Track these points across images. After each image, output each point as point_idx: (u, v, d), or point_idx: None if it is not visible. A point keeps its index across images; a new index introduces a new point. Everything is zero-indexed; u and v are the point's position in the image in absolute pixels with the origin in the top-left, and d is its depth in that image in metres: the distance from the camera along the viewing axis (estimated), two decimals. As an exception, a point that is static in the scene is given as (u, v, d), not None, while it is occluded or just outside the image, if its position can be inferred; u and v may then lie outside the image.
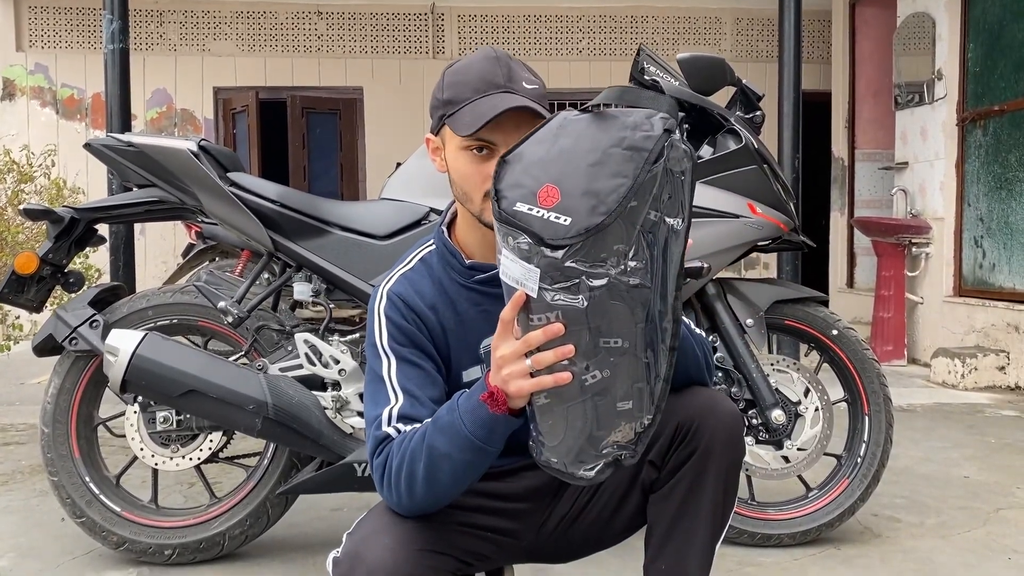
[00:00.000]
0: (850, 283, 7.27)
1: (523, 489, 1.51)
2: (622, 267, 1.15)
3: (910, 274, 5.81)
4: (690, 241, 1.27)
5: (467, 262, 1.46)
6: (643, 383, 1.22)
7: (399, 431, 1.36)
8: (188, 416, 2.23)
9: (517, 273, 1.18)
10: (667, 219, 1.18)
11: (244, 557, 2.34)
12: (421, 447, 1.31)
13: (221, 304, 2.20)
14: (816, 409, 2.41)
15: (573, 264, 1.14)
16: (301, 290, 2.30)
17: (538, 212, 1.16)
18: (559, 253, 1.14)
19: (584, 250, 1.13)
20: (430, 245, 1.52)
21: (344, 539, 1.36)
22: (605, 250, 1.14)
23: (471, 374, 1.48)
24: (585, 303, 1.14)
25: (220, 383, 2.10)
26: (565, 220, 1.14)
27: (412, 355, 1.42)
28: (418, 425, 1.36)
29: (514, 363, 1.21)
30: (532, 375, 1.21)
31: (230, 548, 2.29)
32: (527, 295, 1.18)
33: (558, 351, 1.18)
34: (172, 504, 2.60)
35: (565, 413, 1.22)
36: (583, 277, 1.14)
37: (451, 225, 1.51)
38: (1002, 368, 4.94)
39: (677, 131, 1.20)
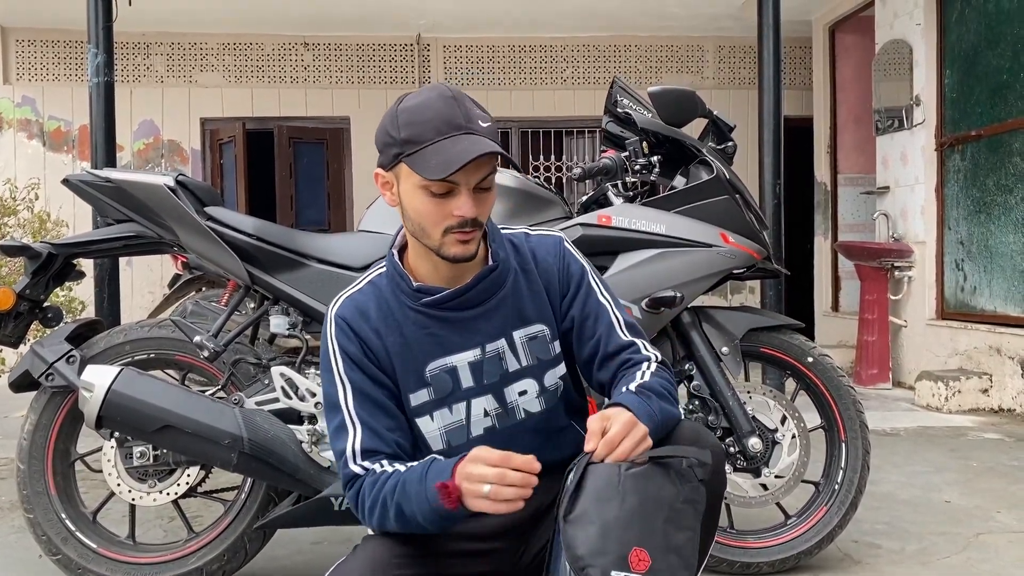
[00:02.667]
0: (835, 307, 7.31)
1: (498, 526, 1.51)
2: None
3: (893, 297, 5.85)
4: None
5: (415, 284, 1.49)
6: None
7: (366, 469, 1.41)
8: (164, 451, 2.22)
9: None
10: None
11: (222, 592, 2.32)
12: (391, 501, 1.36)
13: (197, 339, 2.20)
14: (793, 436, 2.42)
15: None
16: (278, 323, 2.30)
17: None
18: None
19: None
20: (381, 268, 1.55)
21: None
22: None
23: (419, 397, 1.50)
24: None
25: (195, 418, 2.10)
26: None
27: (365, 383, 1.46)
28: (385, 465, 1.41)
29: (479, 481, 1.26)
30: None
31: (207, 584, 2.28)
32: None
33: (518, 490, 1.24)
34: (152, 539, 2.58)
35: None
36: None
37: (403, 250, 1.54)
38: (985, 391, 4.97)
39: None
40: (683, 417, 1.57)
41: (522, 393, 1.54)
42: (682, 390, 2.45)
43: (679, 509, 1.29)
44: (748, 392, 2.43)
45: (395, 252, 1.53)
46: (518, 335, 1.53)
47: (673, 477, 1.32)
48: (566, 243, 1.61)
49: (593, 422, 1.34)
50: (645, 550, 1.24)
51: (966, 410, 4.92)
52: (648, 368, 1.53)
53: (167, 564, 2.28)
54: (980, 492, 3.23)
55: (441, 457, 1.40)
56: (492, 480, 1.24)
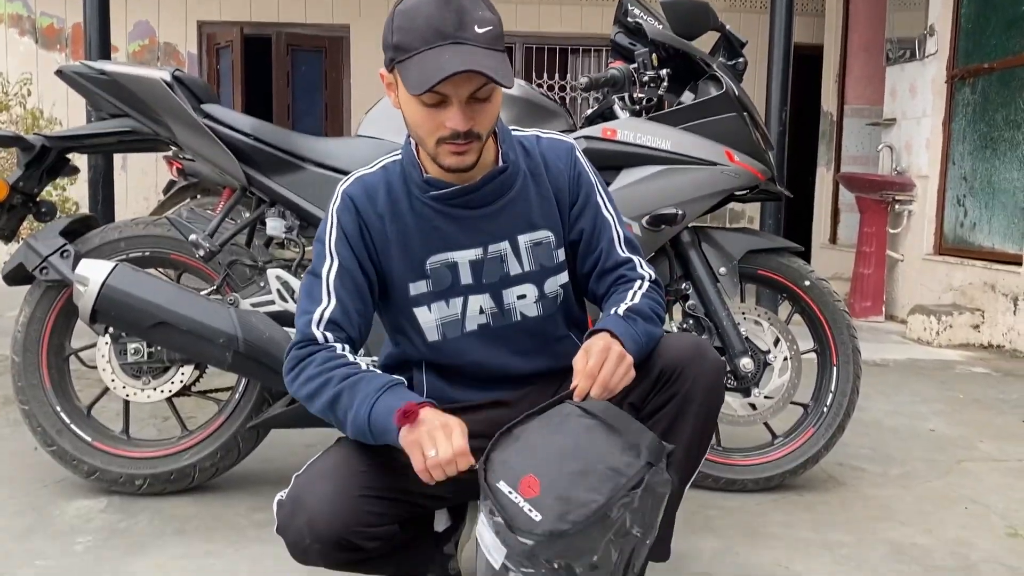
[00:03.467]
0: (833, 239, 7.30)
1: (484, 425, 1.52)
2: (585, 567, 1.24)
3: (892, 231, 5.83)
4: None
5: (426, 176, 1.48)
6: None
7: (326, 339, 1.44)
8: (159, 349, 2.23)
9: (488, 540, 1.29)
10: (635, 531, 1.27)
11: (215, 489, 2.36)
12: (334, 386, 1.38)
13: (192, 237, 2.18)
14: (785, 358, 2.44)
15: (539, 555, 1.24)
16: (274, 226, 2.28)
17: (516, 499, 1.26)
18: (527, 543, 1.24)
19: (550, 547, 1.23)
20: (397, 155, 1.54)
21: (292, 480, 1.38)
22: (572, 551, 1.23)
23: (417, 288, 1.51)
24: None
25: (190, 316, 2.09)
26: (536, 516, 1.24)
27: (352, 264, 1.47)
28: (347, 351, 1.44)
29: (432, 445, 1.27)
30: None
31: (201, 480, 2.31)
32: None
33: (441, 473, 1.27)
34: (146, 437, 2.61)
35: None
36: (544, 571, 1.24)
37: None
38: (976, 327, 5.00)
39: (663, 461, 1.30)
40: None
41: (520, 297, 1.54)
42: (677, 309, 2.46)
43: (598, 470, 1.27)
44: (743, 313, 2.43)
45: (412, 141, 1.51)
46: (523, 239, 1.52)
47: (614, 442, 1.30)
48: (578, 151, 1.59)
49: (578, 360, 1.36)
50: (539, 481, 1.26)
51: (956, 345, 4.96)
52: (640, 288, 1.54)
53: (161, 459, 2.30)
54: (964, 422, 3.27)
55: (403, 381, 1.43)
56: (442, 459, 1.25)
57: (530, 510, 1.24)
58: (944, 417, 3.35)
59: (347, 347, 1.46)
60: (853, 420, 2.50)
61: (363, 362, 1.44)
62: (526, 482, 1.26)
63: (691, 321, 2.38)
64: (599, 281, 1.59)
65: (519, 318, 1.54)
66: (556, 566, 1.25)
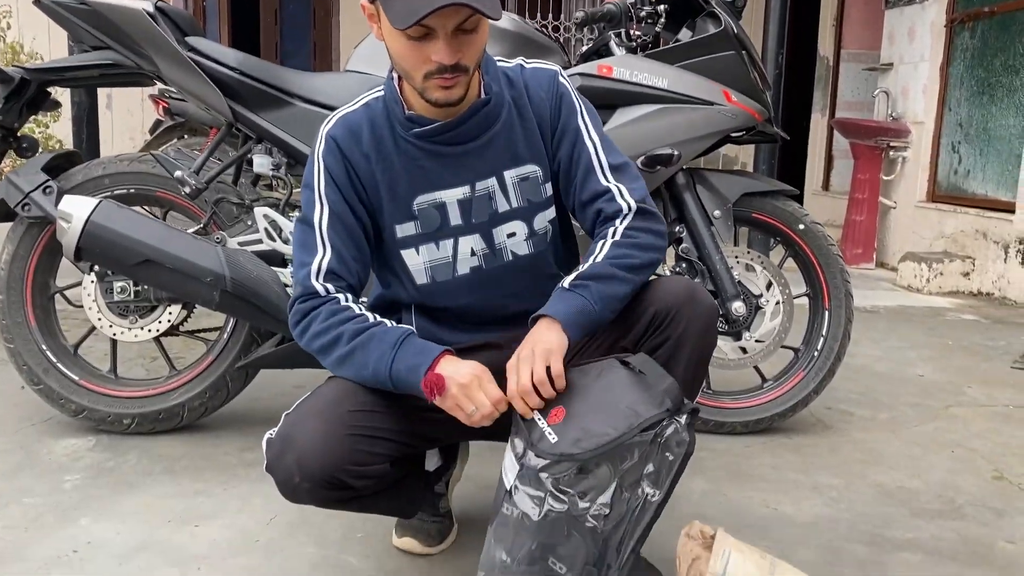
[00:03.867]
0: (826, 186, 7.27)
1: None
2: (589, 505, 1.27)
3: (885, 178, 5.80)
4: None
5: (408, 113, 1.43)
6: None
7: (327, 290, 1.42)
8: (146, 288, 2.20)
9: (507, 463, 1.35)
10: (646, 487, 1.29)
11: (204, 428, 2.35)
12: (348, 342, 1.38)
13: (178, 173, 2.14)
14: (777, 302, 2.43)
15: (546, 479, 1.27)
16: (261, 163, 2.23)
17: (540, 422, 1.32)
18: (538, 463, 1.28)
19: (558, 470, 1.26)
20: (379, 91, 1.49)
21: (282, 419, 1.37)
22: (581, 485, 1.26)
23: (405, 230, 1.48)
24: (537, 517, 1.28)
25: (176, 254, 2.06)
26: (553, 439, 1.29)
27: (344, 208, 1.44)
28: (350, 300, 1.43)
29: (471, 403, 1.32)
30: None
31: (189, 419, 2.31)
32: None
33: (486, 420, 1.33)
34: (134, 377, 2.59)
35: None
36: (547, 495, 1.27)
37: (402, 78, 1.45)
38: (967, 274, 5.00)
39: (685, 418, 1.31)
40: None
41: (511, 235, 1.50)
42: (670, 253, 2.44)
43: (620, 410, 1.30)
44: (736, 257, 2.41)
45: (395, 76, 1.46)
46: (509, 175, 1.48)
47: (643, 388, 1.33)
48: (562, 77, 1.53)
49: (509, 380, 1.35)
50: (566, 412, 1.32)
51: (946, 292, 4.97)
52: (613, 234, 1.46)
53: (149, 399, 2.29)
54: (953, 368, 3.29)
55: (412, 328, 1.42)
56: (484, 413, 1.31)
57: (550, 433, 1.29)
58: (932, 363, 3.36)
59: (349, 296, 1.44)
60: (842, 365, 2.51)
61: (371, 314, 1.43)
62: (555, 412, 1.32)
63: (684, 264, 2.36)
64: (583, 213, 1.53)
65: (510, 258, 1.51)
66: (560, 493, 1.26)
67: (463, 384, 1.31)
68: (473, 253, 1.50)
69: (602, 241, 1.46)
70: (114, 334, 2.26)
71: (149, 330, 2.27)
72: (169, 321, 2.27)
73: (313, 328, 1.41)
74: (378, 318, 1.42)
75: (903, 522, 1.93)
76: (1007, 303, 4.73)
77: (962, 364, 3.36)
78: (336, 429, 1.34)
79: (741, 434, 2.44)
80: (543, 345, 1.34)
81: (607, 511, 1.27)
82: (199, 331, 2.43)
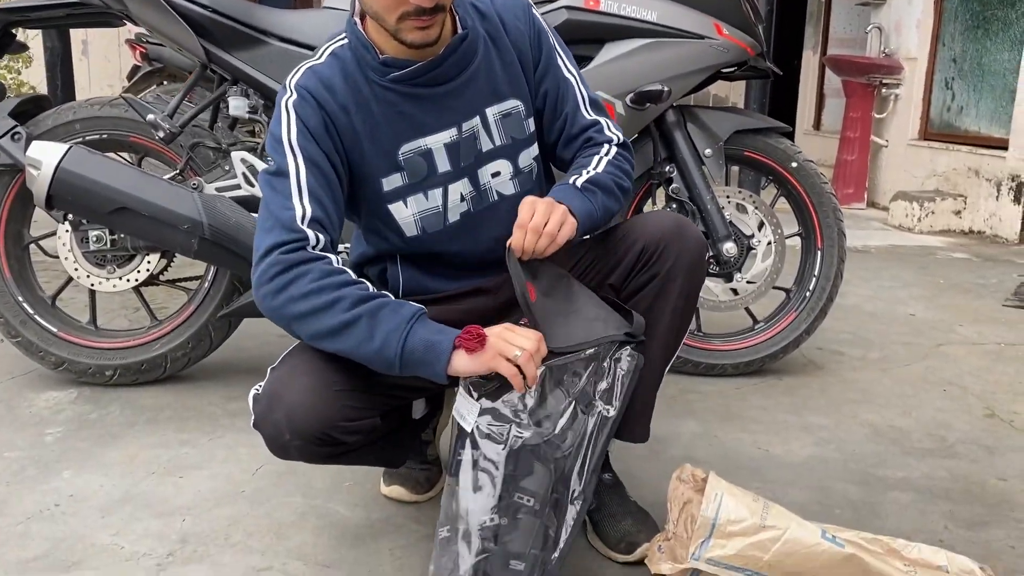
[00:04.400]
0: (817, 125, 7.19)
1: (463, 314, 1.46)
2: (550, 432, 1.26)
3: (877, 116, 5.73)
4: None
5: (381, 57, 1.35)
6: (539, 551, 1.29)
7: (317, 240, 1.28)
8: (122, 236, 2.14)
9: (462, 407, 1.28)
10: (601, 405, 1.28)
11: (188, 379, 2.32)
12: (348, 310, 1.23)
13: (150, 117, 2.06)
14: (769, 243, 2.39)
15: (506, 409, 1.25)
16: (237, 105, 2.16)
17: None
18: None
19: (520, 401, 1.25)
20: (343, 38, 1.40)
21: (267, 374, 1.32)
22: (539, 413, 1.25)
23: (392, 182, 1.40)
24: (504, 450, 1.25)
25: (152, 201, 2.00)
26: None
27: (321, 158, 1.32)
28: (342, 263, 1.29)
29: (514, 344, 1.22)
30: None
31: (173, 370, 2.27)
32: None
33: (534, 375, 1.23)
34: (116, 328, 2.54)
35: (458, 543, 1.28)
36: (512, 426, 1.25)
37: (365, 17, 1.37)
38: (958, 212, 4.97)
39: (637, 339, 1.35)
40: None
41: (495, 175, 1.45)
42: (660, 193, 2.39)
43: (580, 323, 1.33)
44: (727, 197, 2.36)
45: (357, 21, 1.38)
46: (491, 112, 1.42)
47: (604, 313, 1.38)
48: (533, 8, 1.47)
49: (523, 212, 1.30)
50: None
51: (937, 231, 4.94)
52: (606, 154, 1.47)
53: (130, 350, 2.25)
54: (944, 307, 3.27)
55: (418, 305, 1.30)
56: (528, 348, 1.21)
57: None
58: (924, 302, 3.34)
59: (341, 258, 1.30)
60: (833, 305, 2.48)
61: (368, 284, 1.30)
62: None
63: (674, 205, 2.31)
64: (567, 147, 1.51)
65: (496, 198, 1.46)
66: (521, 423, 1.25)
67: (498, 331, 1.23)
68: (462, 199, 1.44)
69: (596, 157, 1.46)
70: (92, 284, 2.21)
71: (127, 280, 2.22)
72: (148, 270, 2.22)
73: (298, 287, 1.24)
74: (383, 292, 1.29)
75: (894, 461, 1.92)
76: (998, 241, 4.71)
77: (953, 302, 3.34)
78: (325, 385, 1.28)
79: (732, 376, 2.42)
80: (563, 208, 1.33)
81: (568, 437, 1.26)
82: (180, 280, 2.38)
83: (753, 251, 2.37)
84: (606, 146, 1.48)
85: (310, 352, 1.31)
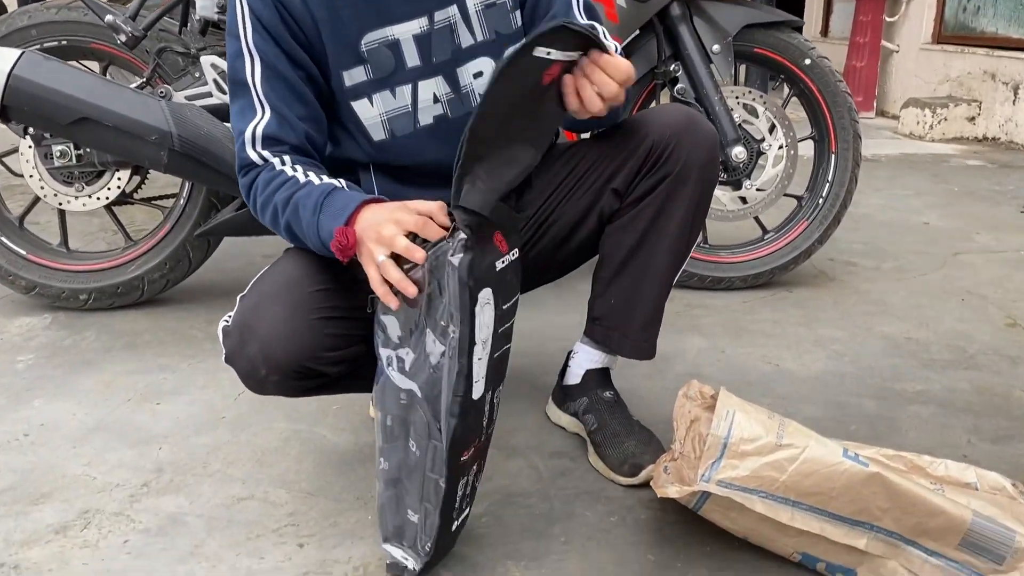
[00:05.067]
0: (824, 32, 6.91)
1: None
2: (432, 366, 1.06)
3: (889, 19, 5.48)
4: None
5: None
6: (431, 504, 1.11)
7: (264, 159, 1.19)
8: (87, 150, 2.00)
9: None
10: (451, 328, 1.03)
11: (168, 302, 2.21)
12: (282, 213, 1.17)
13: (109, 18, 1.89)
14: (780, 147, 2.24)
15: (392, 335, 1.09)
16: (204, 5, 1.99)
17: None
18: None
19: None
20: None
21: (236, 303, 1.20)
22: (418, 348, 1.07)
23: (353, 76, 1.25)
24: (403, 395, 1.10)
25: (115, 110, 1.85)
26: None
27: (279, 59, 1.20)
28: (286, 162, 1.19)
29: (381, 244, 1.04)
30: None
31: (151, 293, 2.15)
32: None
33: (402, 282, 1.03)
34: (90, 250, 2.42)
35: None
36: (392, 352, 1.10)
37: None
38: (972, 119, 4.78)
39: (461, 242, 1.01)
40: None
41: (477, 75, 1.30)
42: (664, 95, 2.24)
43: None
44: (736, 98, 2.21)
45: None
46: (472, 1, 1.26)
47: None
48: None
49: (620, 65, 1.09)
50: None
51: (950, 139, 4.76)
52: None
53: (105, 272, 2.13)
54: (959, 215, 3.13)
55: (343, 184, 1.17)
56: (397, 247, 1.02)
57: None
58: (938, 210, 3.20)
59: (287, 159, 1.20)
60: (846, 214, 2.34)
61: (301, 170, 1.19)
62: None
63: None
64: None
65: (478, 103, 1.32)
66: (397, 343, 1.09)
67: (373, 223, 1.06)
68: (436, 99, 1.29)
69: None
70: (60, 204, 2.08)
71: (98, 198, 2.09)
72: (119, 188, 2.09)
73: (257, 201, 1.21)
74: (308, 176, 1.18)
75: (913, 374, 1.82)
76: (1014, 147, 4.53)
77: (969, 210, 3.21)
78: (300, 314, 1.15)
79: (740, 289, 2.30)
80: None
81: (437, 372, 1.06)
82: (155, 198, 2.24)
83: (763, 156, 2.23)
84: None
85: (280, 278, 1.19)
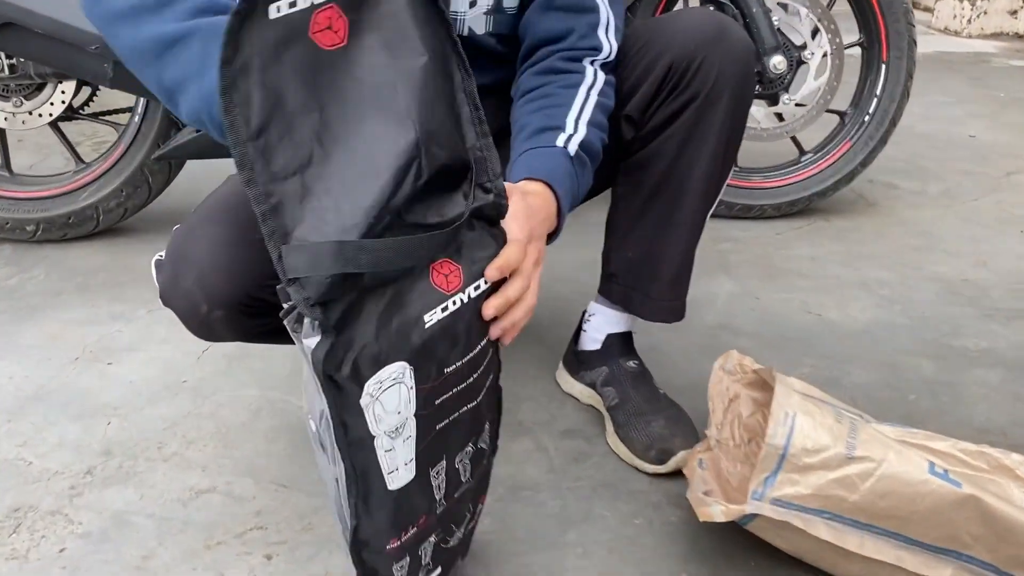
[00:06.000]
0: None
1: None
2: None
3: (927, -101, 5.01)
4: None
5: None
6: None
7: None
8: (22, 61, 1.72)
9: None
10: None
11: (128, 232, 1.96)
12: (183, 17, 0.82)
13: (30, -100, 1.58)
14: (824, 55, 1.95)
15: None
16: None
17: None
18: None
19: None
20: None
21: (172, 233, 0.96)
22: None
23: None
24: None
25: (45, 14, 1.56)
26: None
27: None
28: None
29: None
30: None
31: (108, 223, 1.90)
32: None
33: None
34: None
35: None
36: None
37: None
38: (1014, 12, 4.41)
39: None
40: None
41: (473, 4, 1.06)
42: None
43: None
44: (776, -3, 1.91)
45: None
46: None
47: None
48: None
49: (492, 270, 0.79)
50: None
51: (989, 35, 4.40)
52: (601, 73, 1.08)
53: (53, 200, 1.87)
54: (1009, 126, 2.85)
55: None
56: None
57: None
58: (984, 120, 2.91)
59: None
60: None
61: None
62: None
63: (711, 7, 1.85)
64: (543, 15, 1.09)
65: (465, 33, 1.06)
66: None
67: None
68: None
69: (586, 88, 1.06)
70: (-4, 121, 1.81)
71: (40, 114, 1.82)
72: (63, 102, 1.81)
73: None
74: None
75: (974, 327, 1.60)
76: (1059, 45, 4.19)
77: (1019, 121, 2.92)
78: (242, 233, 0.90)
79: (772, 218, 2.06)
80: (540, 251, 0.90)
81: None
82: (105, 113, 1.96)
83: (804, 65, 1.95)
84: (594, 67, 1.07)
85: (220, 197, 0.98)
